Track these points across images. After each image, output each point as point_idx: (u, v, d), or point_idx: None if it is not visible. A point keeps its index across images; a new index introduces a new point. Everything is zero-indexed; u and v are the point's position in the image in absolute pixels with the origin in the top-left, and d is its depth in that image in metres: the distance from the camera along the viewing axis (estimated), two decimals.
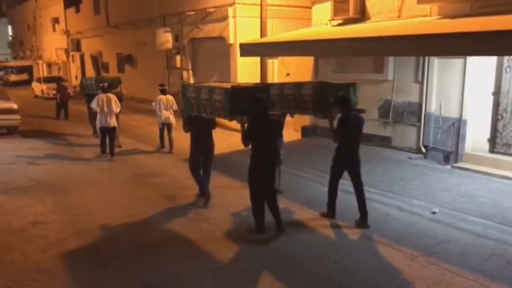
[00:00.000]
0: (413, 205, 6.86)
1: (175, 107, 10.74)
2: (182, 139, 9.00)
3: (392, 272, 4.80)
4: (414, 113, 9.64)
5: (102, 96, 10.07)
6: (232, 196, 7.31)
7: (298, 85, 6.84)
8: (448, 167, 8.79)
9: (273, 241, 5.61)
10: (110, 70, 24.81)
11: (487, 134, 8.76)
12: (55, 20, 32.42)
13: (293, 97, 6.73)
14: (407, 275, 4.73)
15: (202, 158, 7.06)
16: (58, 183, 8.20)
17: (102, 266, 4.99)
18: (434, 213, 6.47)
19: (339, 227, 6.07)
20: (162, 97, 10.68)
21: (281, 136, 6.77)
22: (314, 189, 7.75)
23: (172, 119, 10.71)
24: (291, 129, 12.54)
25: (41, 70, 36.38)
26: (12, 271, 4.88)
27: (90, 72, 27.14)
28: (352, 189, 6.24)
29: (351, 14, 10.00)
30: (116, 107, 10.15)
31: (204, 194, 7.07)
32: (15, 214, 6.63)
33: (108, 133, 10.14)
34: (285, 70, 14.68)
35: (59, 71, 32.81)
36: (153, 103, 10.84)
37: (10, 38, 49.52)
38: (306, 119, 12.34)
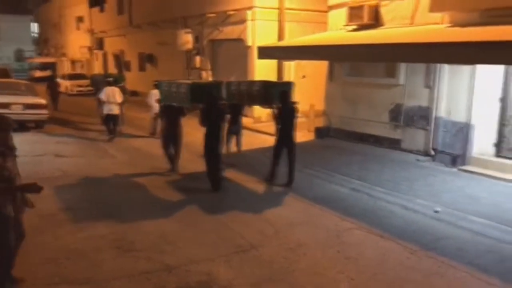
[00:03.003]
0: (417, 204, 7.20)
1: None
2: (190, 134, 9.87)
3: (390, 263, 5.19)
4: (424, 117, 9.93)
5: (108, 89, 12.34)
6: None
7: (250, 83, 8.96)
8: (455, 169, 9.08)
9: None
10: (132, 68, 25.53)
11: (493, 138, 9.04)
12: (80, 19, 33.40)
13: (246, 92, 8.59)
14: (405, 266, 5.12)
15: (171, 140, 8.82)
16: (83, 174, 8.77)
17: (124, 249, 5.48)
18: (436, 212, 6.80)
19: (347, 222, 6.47)
20: (155, 91, 11.78)
21: (239, 121, 10.07)
22: (323, 186, 8.16)
23: None
24: (305, 130, 12.95)
25: (66, 67, 37.39)
26: (46, 250, 5.40)
27: (112, 70, 27.93)
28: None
29: (365, 20, 10.35)
30: (119, 98, 12.33)
31: (173, 166, 8.97)
32: (46, 201, 7.16)
33: (112, 119, 12.32)
34: (301, 72, 15.10)
35: (82, 69, 33.75)
36: (147, 97, 12.82)
37: (34, 35, 50.91)
38: (319, 121, 12.74)
